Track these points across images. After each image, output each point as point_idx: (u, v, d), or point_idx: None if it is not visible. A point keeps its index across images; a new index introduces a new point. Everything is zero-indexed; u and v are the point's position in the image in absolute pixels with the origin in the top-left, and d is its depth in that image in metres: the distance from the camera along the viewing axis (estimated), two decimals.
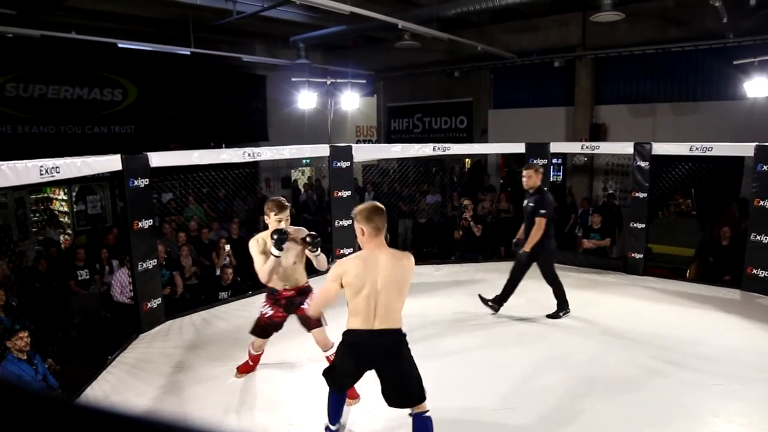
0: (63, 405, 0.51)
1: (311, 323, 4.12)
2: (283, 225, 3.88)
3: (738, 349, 5.00)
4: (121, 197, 5.99)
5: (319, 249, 3.89)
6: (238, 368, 4.63)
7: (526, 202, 5.71)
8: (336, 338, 4.86)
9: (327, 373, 3.31)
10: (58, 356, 5.25)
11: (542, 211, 5.43)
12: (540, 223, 5.43)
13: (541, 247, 5.54)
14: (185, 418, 0.49)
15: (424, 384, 3.12)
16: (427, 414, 3.12)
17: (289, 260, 4.01)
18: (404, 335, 3.10)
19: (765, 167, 6.58)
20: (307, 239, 3.84)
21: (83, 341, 6.09)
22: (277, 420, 3.88)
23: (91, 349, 5.48)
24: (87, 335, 6.20)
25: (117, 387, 4.51)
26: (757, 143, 6.72)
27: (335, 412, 3.41)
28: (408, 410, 3.16)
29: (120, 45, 9.21)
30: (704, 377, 4.45)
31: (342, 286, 3.02)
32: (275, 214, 3.88)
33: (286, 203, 3.98)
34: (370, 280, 2.95)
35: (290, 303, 4.17)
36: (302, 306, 4.14)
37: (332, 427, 3.42)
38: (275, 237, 3.72)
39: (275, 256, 3.76)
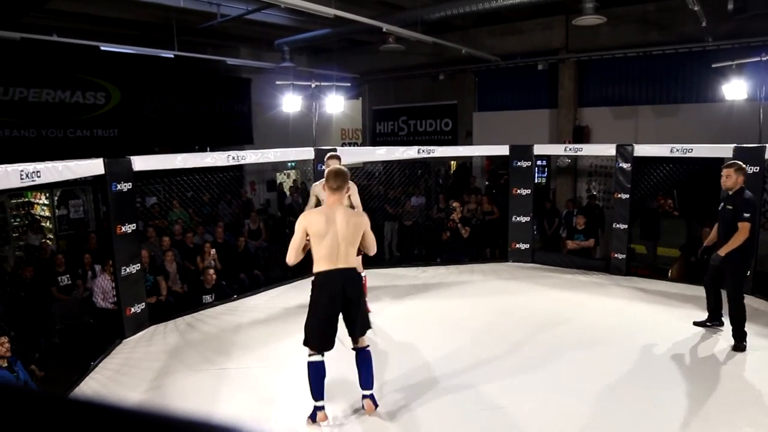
0: (56, 401, 0.52)
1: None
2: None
3: (716, 346, 5.08)
4: (104, 201, 5.94)
5: None
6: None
7: (723, 204, 5.18)
8: None
9: (307, 336, 3.70)
10: (40, 363, 5.18)
11: (746, 215, 4.90)
12: (744, 228, 4.89)
13: (737, 255, 4.99)
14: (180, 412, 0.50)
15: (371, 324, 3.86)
16: (367, 348, 3.80)
17: None
18: (360, 276, 3.84)
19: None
20: None
21: (65, 347, 6.02)
22: (262, 422, 3.87)
23: (73, 355, 5.42)
24: (69, 341, 6.12)
25: (100, 393, 4.46)
26: (735, 145, 6.84)
27: (317, 384, 3.69)
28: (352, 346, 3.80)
29: (102, 48, 9.12)
30: (683, 374, 4.52)
31: (307, 236, 3.62)
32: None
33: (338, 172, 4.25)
34: (331, 231, 3.58)
35: None
36: None
37: (317, 404, 3.71)
38: None
39: None
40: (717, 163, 8.26)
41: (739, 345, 4.99)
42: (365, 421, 3.84)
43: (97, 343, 5.51)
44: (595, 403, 4.08)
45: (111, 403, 0.51)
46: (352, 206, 4.87)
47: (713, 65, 8.35)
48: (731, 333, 5.07)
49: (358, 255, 4.76)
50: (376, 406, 3.85)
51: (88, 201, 10.72)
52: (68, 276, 6.94)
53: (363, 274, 5.06)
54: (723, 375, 4.57)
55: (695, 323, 5.55)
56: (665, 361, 4.81)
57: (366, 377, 3.80)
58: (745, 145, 6.77)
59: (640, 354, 4.99)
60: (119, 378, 4.75)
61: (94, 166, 5.39)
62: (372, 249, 3.89)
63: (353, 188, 5.18)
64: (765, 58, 7.21)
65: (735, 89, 7.86)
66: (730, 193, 5.09)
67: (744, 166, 5.11)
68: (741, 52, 8.31)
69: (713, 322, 5.47)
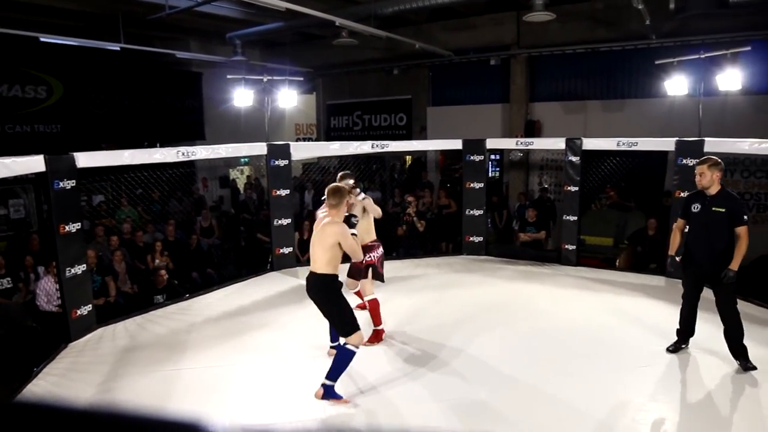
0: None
1: (362, 274, 5.19)
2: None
3: (663, 332, 5.27)
4: (46, 200, 5.70)
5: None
6: (370, 339, 5.01)
7: (699, 206, 4.54)
8: None
9: None
10: None
11: (745, 218, 4.41)
12: (746, 232, 4.38)
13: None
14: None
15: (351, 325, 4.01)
16: (348, 346, 3.99)
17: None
18: (330, 280, 4.00)
19: (684, 161, 6.96)
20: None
21: (6, 354, 5.74)
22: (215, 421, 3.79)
23: (15, 362, 5.18)
24: (10, 347, 5.84)
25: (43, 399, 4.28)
26: (677, 138, 7.11)
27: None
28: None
29: (42, 39, 8.73)
30: (631, 360, 4.69)
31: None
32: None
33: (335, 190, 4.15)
34: (314, 240, 4.11)
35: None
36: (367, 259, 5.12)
37: (331, 343, 4.74)
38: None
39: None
40: (662, 156, 8.64)
41: (748, 364, 4.44)
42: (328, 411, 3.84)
43: (41, 348, 5.28)
44: (546, 388, 4.18)
45: (55, 404, 0.48)
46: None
47: (656, 62, 8.66)
48: (732, 351, 4.50)
49: (359, 278, 5.23)
50: (326, 396, 3.99)
51: (30, 200, 10.25)
52: (8, 279, 6.64)
53: (369, 297, 5.26)
54: (670, 356, 4.76)
55: (668, 350, 4.84)
56: (616, 346, 4.97)
57: (332, 367, 4.03)
58: (686, 139, 7.05)
59: (591, 340, 5.14)
60: (65, 383, 4.57)
61: (34, 163, 5.16)
62: (353, 255, 4.15)
63: (368, 201, 5.30)
64: (704, 56, 7.52)
65: (676, 85, 8.19)
66: (708, 193, 4.50)
67: (719, 161, 4.50)
68: (682, 50, 8.66)
69: (686, 343, 4.89)
